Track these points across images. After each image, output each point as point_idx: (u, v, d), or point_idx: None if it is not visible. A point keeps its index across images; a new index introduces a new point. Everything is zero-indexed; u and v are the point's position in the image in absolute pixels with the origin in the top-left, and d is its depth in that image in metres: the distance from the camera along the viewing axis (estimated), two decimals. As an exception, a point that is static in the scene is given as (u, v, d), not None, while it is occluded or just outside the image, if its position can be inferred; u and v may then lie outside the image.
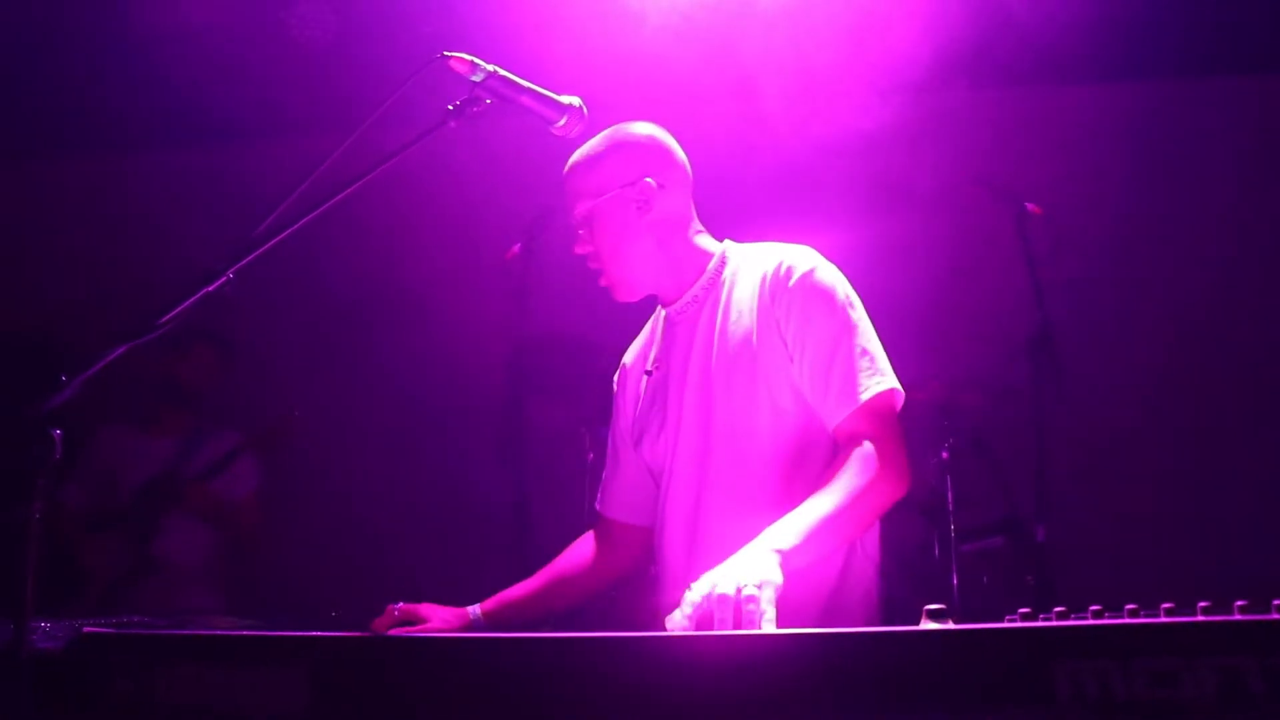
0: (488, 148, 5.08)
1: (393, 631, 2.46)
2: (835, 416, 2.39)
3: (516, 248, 4.72)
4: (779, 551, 2.07)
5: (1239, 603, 1.57)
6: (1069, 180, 5.08)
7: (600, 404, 4.90)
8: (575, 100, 2.35)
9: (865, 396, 2.36)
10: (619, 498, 2.78)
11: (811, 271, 2.46)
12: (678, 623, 1.96)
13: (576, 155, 2.62)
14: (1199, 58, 5.21)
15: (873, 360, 2.40)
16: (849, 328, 2.42)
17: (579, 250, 2.62)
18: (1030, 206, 4.56)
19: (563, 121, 2.34)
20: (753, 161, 5.11)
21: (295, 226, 2.14)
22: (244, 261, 2.10)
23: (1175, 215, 5.25)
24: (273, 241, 2.13)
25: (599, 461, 4.83)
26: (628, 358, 2.81)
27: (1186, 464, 5.09)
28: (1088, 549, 4.70)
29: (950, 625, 1.67)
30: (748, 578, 1.96)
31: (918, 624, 1.71)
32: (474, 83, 2.26)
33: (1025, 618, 1.65)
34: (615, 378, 2.83)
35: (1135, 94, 5.35)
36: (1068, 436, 4.65)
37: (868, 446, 2.31)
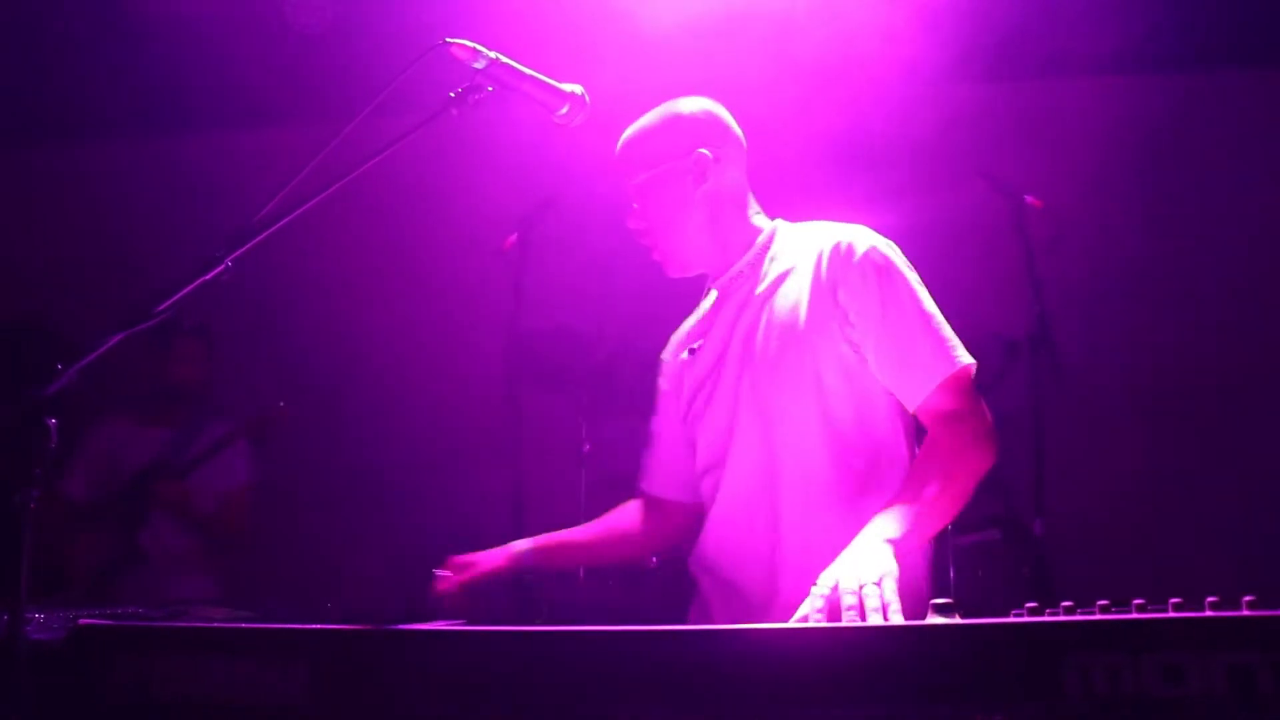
0: (485, 138, 5.06)
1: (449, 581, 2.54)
2: (920, 393, 2.35)
3: (513, 238, 4.70)
4: (891, 542, 2.06)
5: (1247, 598, 1.57)
6: (1069, 174, 5.06)
7: (597, 395, 4.89)
8: (578, 88, 2.33)
9: (951, 371, 2.34)
10: (664, 475, 2.76)
11: (874, 248, 2.43)
12: (809, 618, 1.93)
13: (631, 129, 2.62)
14: (1200, 52, 5.20)
15: (950, 334, 2.39)
16: (922, 304, 2.40)
17: (632, 224, 2.61)
18: (1030, 200, 4.55)
19: (565, 110, 2.32)
20: (752, 152, 5.09)
21: (294, 214, 2.12)
22: (242, 249, 2.08)
23: (1175, 209, 5.24)
24: (271, 229, 2.11)
25: (595, 453, 4.83)
26: (677, 334, 2.80)
27: (1184, 458, 5.09)
28: (1085, 543, 4.70)
29: (957, 619, 1.66)
30: (868, 572, 1.95)
31: (925, 618, 1.71)
32: (476, 70, 2.24)
33: (1033, 612, 1.64)
34: (663, 355, 2.81)
35: (1136, 88, 5.33)
36: (1065, 430, 4.64)
37: (960, 422, 2.30)
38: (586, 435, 4.72)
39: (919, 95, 5.14)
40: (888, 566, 1.99)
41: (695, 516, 2.73)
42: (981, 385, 4.53)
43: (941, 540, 4.33)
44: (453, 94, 2.23)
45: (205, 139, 5.88)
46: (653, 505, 2.80)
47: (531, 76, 2.29)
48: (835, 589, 1.94)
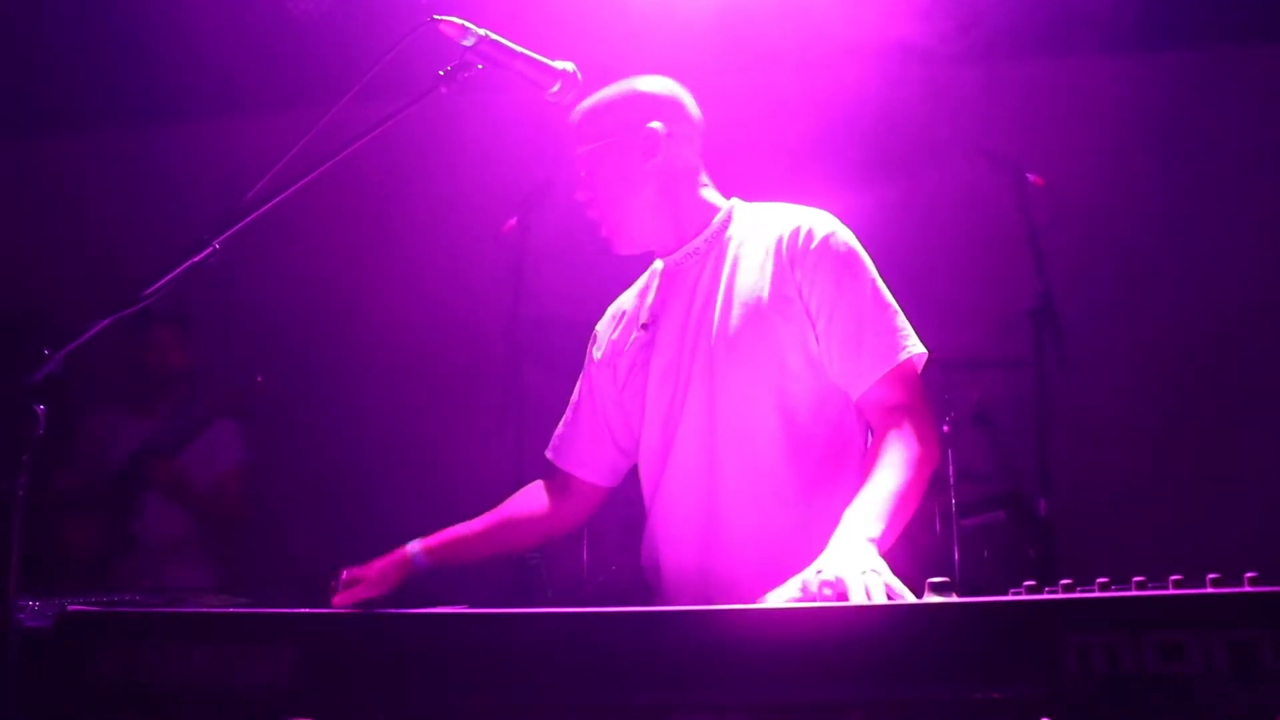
0: (483, 120, 5.04)
1: (343, 595, 2.36)
2: (865, 381, 2.33)
3: (513, 221, 4.67)
4: (872, 541, 2.00)
5: (1249, 574, 1.54)
6: (1071, 151, 5.03)
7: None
8: (569, 66, 2.30)
9: (901, 357, 2.32)
10: (579, 452, 2.69)
11: (833, 234, 2.41)
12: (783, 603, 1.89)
13: (584, 102, 2.55)
14: (1205, 28, 5.16)
15: (902, 326, 2.37)
16: (876, 292, 2.38)
17: (579, 196, 2.56)
18: (1032, 177, 4.51)
19: (556, 88, 2.29)
20: (753, 129, 5.06)
21: (282, 196, 2.10)
22: (230, 231, 2.06)
23: (1177, 186, 5.20)
24: (259, 211, 2.09)
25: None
26: (616, 306, 2.72)
27: (1188, 436, 5.06)
28: (1090, 522, 4.67)
29: (954, 598, 1.64)
30: (855, 565, 1.89)
31: (921, 597, 1.68)
32: (465, 47, 2.22)
33: (1032, 590, 1.62)
34: (597, 327, 2.73)
35: (1139, 65, 5.29)
36: (1069, 409, 4.61)
37: (905, 415, 2.27)
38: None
39: (921, 74, 5.10)
40: (875, 563, 1.92)
41: (601, 500, 2.69)
42: (986, 363, 4.55)
43: (946, 520, 4.32)
44: (442, 72, 2.21)
45: (196, 127, 5.85)
46: (560, 484, 2.71)
47: (522, 54, 2.26)
48: (818, 580, 1.87)
